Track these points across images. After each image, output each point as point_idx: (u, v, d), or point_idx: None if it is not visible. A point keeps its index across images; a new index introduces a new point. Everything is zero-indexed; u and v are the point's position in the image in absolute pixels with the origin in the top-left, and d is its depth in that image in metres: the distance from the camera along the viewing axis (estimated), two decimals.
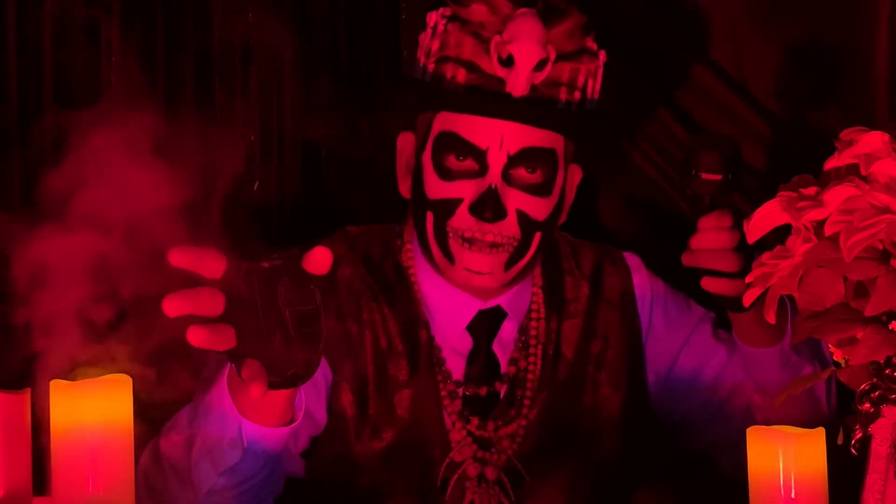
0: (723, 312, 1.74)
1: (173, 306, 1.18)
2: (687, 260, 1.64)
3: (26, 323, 1.24)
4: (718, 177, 1.63)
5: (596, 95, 1.74)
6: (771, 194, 1.32)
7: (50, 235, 1.26)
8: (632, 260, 1.88)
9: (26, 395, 1.25)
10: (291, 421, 1.41)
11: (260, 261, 1.23)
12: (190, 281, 1.19)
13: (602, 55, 1.74)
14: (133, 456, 1.14)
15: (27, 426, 1.26)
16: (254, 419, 1.39)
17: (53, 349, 1.23)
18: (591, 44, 1.73)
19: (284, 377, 1.24)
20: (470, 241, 1.70)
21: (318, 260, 1.22)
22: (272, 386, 1.24)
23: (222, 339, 1.20)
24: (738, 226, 1.61)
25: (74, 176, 1.28)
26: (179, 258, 1.19)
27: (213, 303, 1.20)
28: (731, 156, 1.64)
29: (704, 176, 1.63)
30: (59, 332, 1.23)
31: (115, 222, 1.27)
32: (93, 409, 1.11)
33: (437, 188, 1.72)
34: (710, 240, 1.62)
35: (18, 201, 2.17)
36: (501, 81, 1.68)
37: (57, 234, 1.25)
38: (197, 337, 1.18)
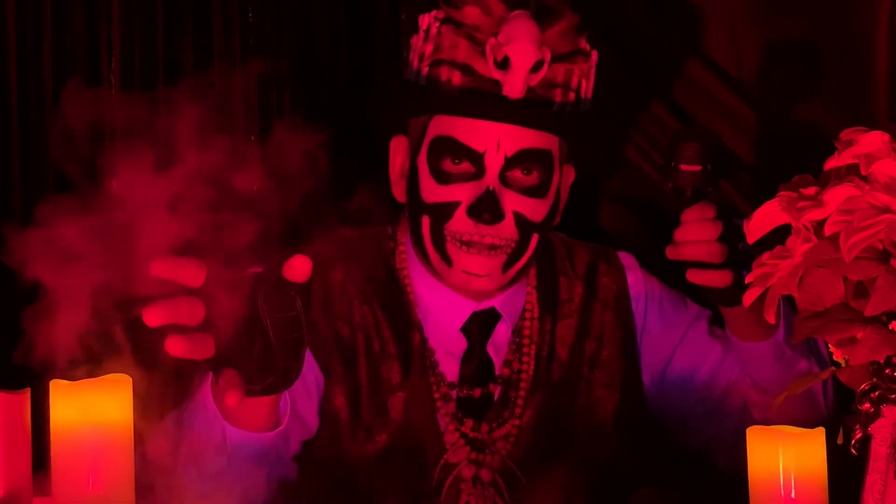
0: (718, 310, 1.74)
1: (154, 316, 1.18)
2: (671, 253, 1.64)
3: (27, 323, 1.24)
4: (698, 168, 1.63)
5: (589, 95, 1.74)
6: (767, 191, 1.32)
7: (51, 236, 1.25)
8: (626, 259, 1.88)
9: (26, 395, 1.26)
10: (276, 426, 1.41)
11: (241, 269, 1.24)
12: (171, 290, 1.19)
13: (594, 55, 1.74)
14: (133, 456, 1.14)
15: (27, 426, 1.26)
16: (238, 424, 1.40)
17: (54, 349, 1.23)
18: (584, 44, 1.73)
19: (264, 385, 1.25)
20: (468, 244, 1.70)
21: (298, 268, 1.22)
22: (251, 393, 1.24)
23: (201, 349, 1.20)
24: (720, 217, 1.62)
25: (76, 177, 1.28)
26: (160, 268, 1.19)
27: (193, 312, 1.20)
28: (711, 147, 1.64)
29: (684, 167, 1.63)
30: (60, 331, 1.23)
31: (116, 222, 1.27)
32: (93, 409, 1.11)
33: (433, 192, 1.71)
34: (692, 231, 1.62)
35: (19, 202, 2.17)
36: (497, 84, 1.68)
37: (58, 234, 1.25)
38: (176, 347, 1.19)
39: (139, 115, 1.33)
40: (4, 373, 1.30)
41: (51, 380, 1.13)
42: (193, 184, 1.30)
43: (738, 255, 1.61)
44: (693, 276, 1.63)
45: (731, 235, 1.61)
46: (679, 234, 1.63)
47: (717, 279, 1.62)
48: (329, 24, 2.37)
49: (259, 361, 1.23)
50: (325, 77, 2.36)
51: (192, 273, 1.20)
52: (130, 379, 1.14)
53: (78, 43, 2.22)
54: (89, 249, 1.25)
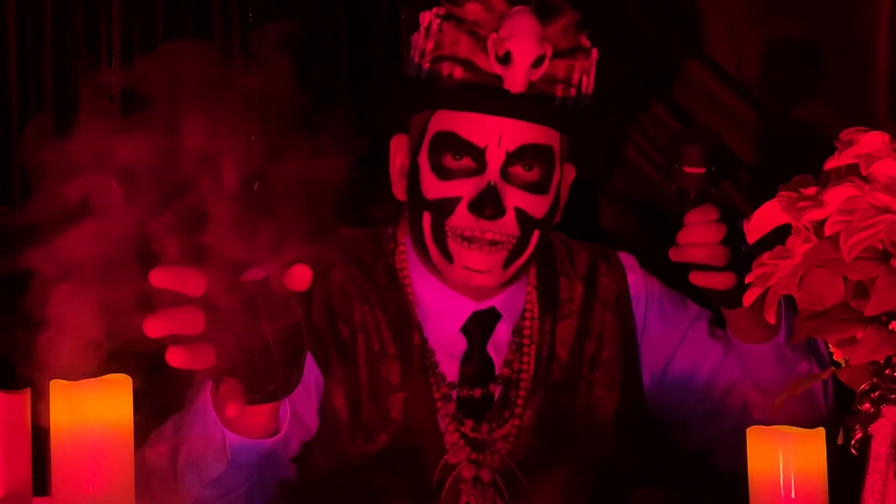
0: (719, 310, 1.74)
1: (154, 327, 1.17)
2: (674, 255, 1.64)
3: (27, 322, 1.24)
4: (701, 170, 1.63)
5: (590, 91, 1.75)
6: (767, 191, 1.32)
7: (51, 235, 1.26)
8: (626, 259, 1.88)
9: (26, 395, 1.25)
10: (276, 432, 1.41)
11: (241, 277, 1.23)
12: (171, 299, 1.19)
13: (594, 52, 1.74)
14: (133, 456, 1.14)
15: (27, 426, 1.26)
16: (237, 431, 1.39)
17: (53, 349, 1.23)
18: (585, 41, 1.74)
19: (264, 393, 1.24)
20: (469, 240, 1.70)
21: (298, 277, 1.22)
22: (251, 402, 1.23)
23: (201, 359, 1.20)
24: (723, 219, 1.61)
25: (76, 173, 1.28)
26: (160, 277, 1.18)
27: (193, 321, 1.19)
28: (714, 148, 1.64)
29: (687, 169, 1.63)
30: (60, 331, 1.23)
31: (117, 221, 1.27)
32: (93, 409, 1.11)
33: (434, 188, 1.72)
34: (696, 234, 1.62)
35: (18, 200, 2.17)
36: (499, 78, 1.69)
37: (58, 233, 1.25)
38: (176, 357, 1.18)
39: (139, 113, 1.33)
40: (4, 373, 1.30)
41: (51, 380, 1.13)
42: (194, 185, 1.30)
43: (741, 258, 1.61)
44: (696, 279, 1.63)
45: (735, 238, 1.61)
46: (682, 237, 1.63)
47: (720, 281, 1.62)
48: (329, 24, 2.37)
49: (259, 370, 1.23)
50: (325, 77, 2.36)
51: (192, 282, 1.20)
52: (130, 379, 1.14)
53: (78, 43, 2.22)
54: (90, 249, 1.25)
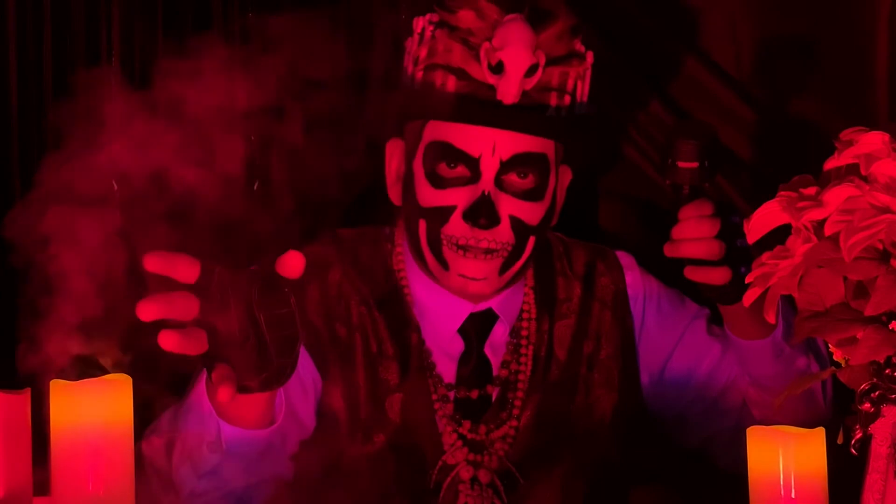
0: (717, 308, 1.74)
1: (147, 311, 1.18)
2: (669, 250, 1.64)
3: (27, 322, 1.24)
4: (695, 164, 1.62)
5: (585, 98, 1.74)
6: (767, 191, 1.32)
7: (51, 234, 1.26)
8: (624, 259, 1.88)
9: (26, 395, 1.26)
10: (271, 423, 1.41)
11: (235, 265, 1.24)
12: (164, 285, 1.19)
13: (589, 57, 1.74)
14: (133, 456, 1.14)
15: (27, 426, 1.26)
16: (232, 422, 1.40)
17: (53, 349, 1.23)
18: (579, 46, 1.73)
19: (257, 381, 1.25)
20: (464, 248, 1.70)
21: (292, 264, 1.23)
22: (245, 390, 1.24)
23: (194, 344, 1.20)
24: (718, 213, 1.61)
25: (74, 175, 1.29)
26: (153, 263, 1.19)
27: (186, 307, 1.20)
28: (708, 143, 1.63)
29: (681, 164, 1.63)
30: (60, 332, 1.23)
31: (117, 220, 1.27)
32: (93, 409, 1.12)
33: (429, 196, 1.71)
34: (690, 229, 1.62)
35: (18, 199, 2.17)
36: (492, 88, 1.68)
37: (58, 232, 1.25)
38: (168, 341, 1.19)
39: (138, 114, 1.33)
40: (4, 373, 1.30)
41: (51, 380, 1.13)
42: (193, 187, 1.30)
43: (737, 252, 1.61)
44: (691, 274, 1.63)
45: (729, 232, 1.61)
46: (677, 232, 1.63)
47: (716, 276, 1.62)
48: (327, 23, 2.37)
49: (253, 358, 1.23)
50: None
51: (185, 268, 1.20)
52: (130, 379, 1.14)
53: (78, 43, 2.22)
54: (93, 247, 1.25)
